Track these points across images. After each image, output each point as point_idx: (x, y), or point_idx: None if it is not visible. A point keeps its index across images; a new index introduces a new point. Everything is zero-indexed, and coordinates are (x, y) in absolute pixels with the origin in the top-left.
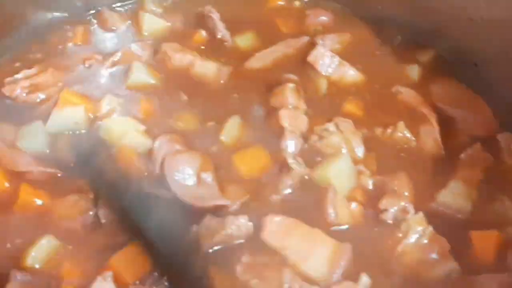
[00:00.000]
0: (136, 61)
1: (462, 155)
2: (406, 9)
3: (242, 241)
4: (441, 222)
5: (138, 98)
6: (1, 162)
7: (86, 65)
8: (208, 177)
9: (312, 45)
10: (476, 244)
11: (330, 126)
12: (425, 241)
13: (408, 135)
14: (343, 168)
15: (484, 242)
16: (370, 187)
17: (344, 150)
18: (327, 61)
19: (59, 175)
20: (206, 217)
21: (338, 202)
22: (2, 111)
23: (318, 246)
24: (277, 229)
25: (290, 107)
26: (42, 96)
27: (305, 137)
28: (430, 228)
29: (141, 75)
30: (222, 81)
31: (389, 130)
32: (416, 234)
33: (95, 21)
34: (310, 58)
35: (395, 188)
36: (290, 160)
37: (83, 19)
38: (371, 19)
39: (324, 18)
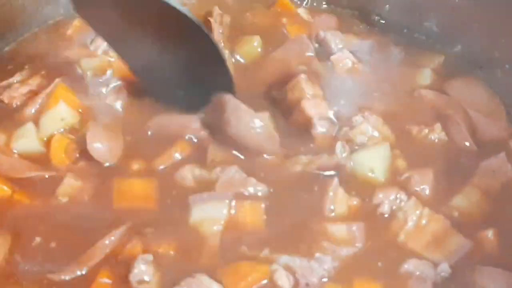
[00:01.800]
0: None
1: (485, 162)
2: (413, 14)
3: None
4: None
5: None
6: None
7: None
8: None
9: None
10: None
11: (358, 117)
12: (424, 222)
13: (444, 137)
14: (383, 154)
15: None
16: (402, 177)
17: (378, 136)
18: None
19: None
20: None
21: (338, 197)
22: None
23: None
24: None
25: (309, 96)
26: (36, 99)
27: (334, 124)
28: (427, 209)
29: None
30: None
31: (425, 130)
32: (414, 217)
33: None
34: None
35: (418, 182)
36: (338, 145)
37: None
38: (378, 24)
39: (330, 23)
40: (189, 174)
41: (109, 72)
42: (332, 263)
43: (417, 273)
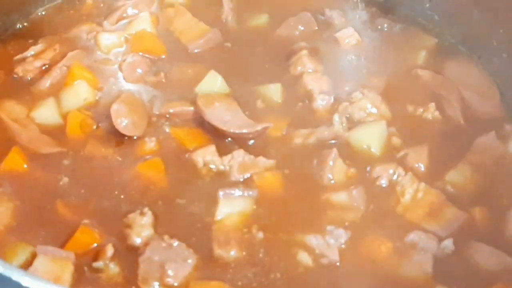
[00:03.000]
0: None
1: (477, 140)
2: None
3: None
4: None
5: None
6: (19, 143)
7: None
8: None
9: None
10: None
11: (358, 94)
12: (420, 195)
13: (439, 115)
14: (379, 131)
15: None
16: (399, 155)
17: (376, 113)
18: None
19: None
20: None
21: (337, 166)
22: (11, 90)
23: None
24: None
25: (310, 71)
26: (50, 72)
27: (334, 98)
28: (423, 184)
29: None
30: None
31: (420, 109)
32: (411, 190)
33: None
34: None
35: (414, 159)
36: (336, 117)
37: None
38: (380, 5)
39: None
40: (200, 158)
41: (124, 47)
42: (346, 234)
43: (420, 244)
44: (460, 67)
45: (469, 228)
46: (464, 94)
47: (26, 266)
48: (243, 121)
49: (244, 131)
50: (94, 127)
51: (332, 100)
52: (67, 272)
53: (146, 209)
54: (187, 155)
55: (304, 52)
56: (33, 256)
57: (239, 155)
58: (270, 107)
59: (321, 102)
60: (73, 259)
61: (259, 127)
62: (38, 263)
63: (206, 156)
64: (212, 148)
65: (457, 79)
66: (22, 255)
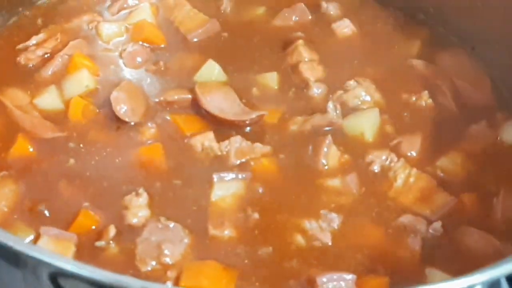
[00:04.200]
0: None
1: (468, 128)
2: None
3: None
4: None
5: None
6: (23, 129)
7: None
8: None
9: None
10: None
11: (352, 82)
12: (412, 180)
13: (431, 103)
14: (373, 118)
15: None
16: (392, 143)
17: (370, 101)
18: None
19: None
20: None
21: (331, 153)
22: (14, 78)
23: None
24: None
25: (306, 60)
26: (52, 61)
27: (329, 86)
28: (414, 169)
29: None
30: None
31: (414, 97)
32: (403, 175)
33: None
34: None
35: (406, 147)
36: (330, 105)
37: None
38: None
39: None
40: (198, 144)
41: (124, 37)
42: (339, 218)
43: (410, 227)
44: (453, 57)
45: (459, 213)
46: (457, 83)
47: None
48: (239, 109)
49: (240, 118)
50: (96, 112)
51: (327, 88)
52: (70, 252)
53: (141, 190)
54: (186, 141)
55: (301, 42)
56: (37, 237)
57: (236, 141)
58: (267, 95)
59: (316, 90)
60: (75, 240)
61: (254, 115)
62: (42, 243)
63: (205, 141)
64: (210, 134)
65: (450, 69)
66: (26, 236)
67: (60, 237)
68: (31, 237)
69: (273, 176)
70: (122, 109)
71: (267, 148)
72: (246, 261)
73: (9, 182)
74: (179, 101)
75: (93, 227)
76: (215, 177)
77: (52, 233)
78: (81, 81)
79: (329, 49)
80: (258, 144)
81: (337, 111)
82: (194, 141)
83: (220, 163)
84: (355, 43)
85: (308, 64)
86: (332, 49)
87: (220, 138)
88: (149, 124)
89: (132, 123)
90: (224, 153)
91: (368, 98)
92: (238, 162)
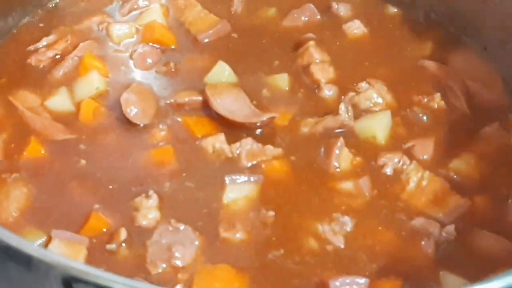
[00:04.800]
0: None
1: (481, 130)
2: None
3: None
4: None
5: None
6: (34, 131)
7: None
8: None
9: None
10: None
11: (364, 84)
12: (425, 183)
13: (444, 106)
14: (385, 120)
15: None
16: (405, 147)
17: (382, 103)
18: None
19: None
20: None
21: (343, 155)
22: (25, 80)
23: None
24: None
25: (317, 61)
26: (62, 62)
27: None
28: (427, 172)
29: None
30: None
31: (426, 99)
32: (415, 178)
33: None
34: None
35: (419, 151)
36: (342, 107)
37: None
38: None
39: None
40: (209, 146)
41: (135, 38)
42: (352, 221)
43: (423, 230)
44: (465, 58)
45: (472, 215)
46: (469, 84)
47: None
48: (250, 111)
49: (251, 121)
50: (107, 114)
51: (338, 90)
52: (81, 256)
53: (151, 192)
54: (196, 143)
55: (312, 43)
56: (48, 240)
57: (247, 143)
58: (278, 96)
59: (327, 91)
60: (86, 243)
61: (265, 117)
62: (53, 247)
63: (216, 143)
64: (221, 136)
65: (462, 70)
66: (38, 239)
67: (72, 240)
68: (42, 239)
69: (284, 178)
70: (132, 111)
71: (278, 150)
72: (257, 264)
73: (20, 185)
74: (190, 103)
75: (104, 229)
76: (227, 179)
77: (63, 236)
78: (92, 82)
79: (340, 50)
80: (269, 146)
81: (349, 113)
82: (205, 143)
83: (231, 165)
84: (366, 44)
85: (320, 65)
86: (343, 50)
87: (231, 140)
88: (160, 126)
89: (142, 125)
90: (235, 155)
91: (380, 100)
92: (249, 164)
